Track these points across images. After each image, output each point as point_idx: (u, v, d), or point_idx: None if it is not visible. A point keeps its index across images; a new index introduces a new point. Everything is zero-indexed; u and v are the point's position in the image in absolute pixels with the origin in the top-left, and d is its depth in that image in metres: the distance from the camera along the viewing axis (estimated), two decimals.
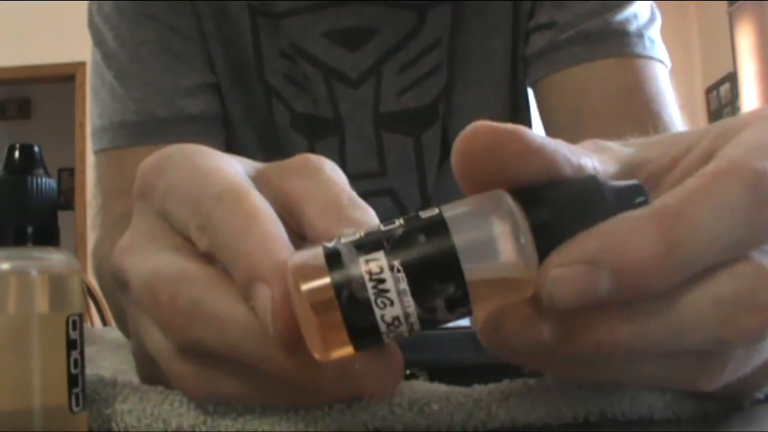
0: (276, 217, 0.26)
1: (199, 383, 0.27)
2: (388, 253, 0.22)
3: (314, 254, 0.23)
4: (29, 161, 0.28)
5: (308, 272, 0.23)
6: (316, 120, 0.68)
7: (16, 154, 0.28)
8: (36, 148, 0.28)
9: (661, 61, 0.65)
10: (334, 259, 0.23)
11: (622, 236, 0.22)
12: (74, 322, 0.27)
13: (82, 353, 0.27)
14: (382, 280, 0.22)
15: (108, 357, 0.53)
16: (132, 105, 0.65)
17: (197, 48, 0.66)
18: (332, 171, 0.29)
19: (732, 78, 4.65)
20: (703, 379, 0.25)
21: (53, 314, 0.27)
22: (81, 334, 0.28)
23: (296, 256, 0.23)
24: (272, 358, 0.25)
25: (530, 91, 0.70)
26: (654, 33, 0.65)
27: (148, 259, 0.28)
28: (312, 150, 0.68)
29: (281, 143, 0.69)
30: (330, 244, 0.23)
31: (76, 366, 0.27)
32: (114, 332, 0.69)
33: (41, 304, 0.27)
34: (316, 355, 0.23)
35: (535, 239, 0.23)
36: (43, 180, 0.28)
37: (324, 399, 0.28)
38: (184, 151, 0.30)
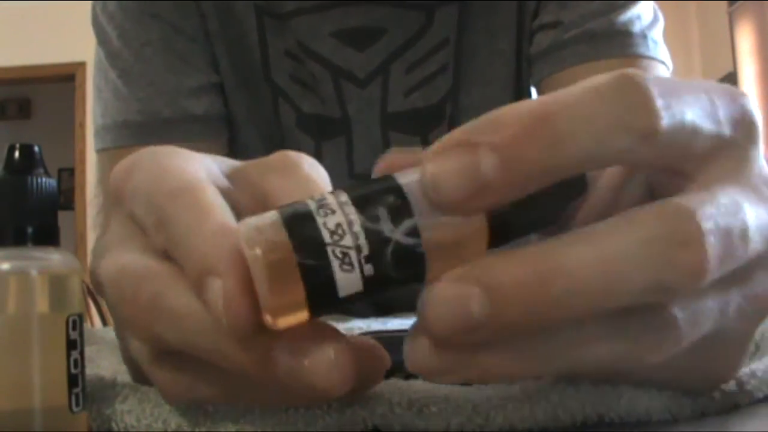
0: (230, 212, 0.26)
1: (176, 388, 0.27)
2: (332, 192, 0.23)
3: (269, 213, 0.23)
4: (29, 161, 0.28)
5: (265, 233, 0.22)
6: (323, 120, 0.68)
7: (16, 154, 0.28)
8: (36, 148, 0.28)
9: (663, 63, 0.65)
10: (284, 208, 0.23)
11: (496, 115, 0.22)
12: (74, 322, 0.27)
13: (82, 353, 0.27)
14: (324, 199, 0.23)
15: (108, 357, 0.53)
16: (135, 105, 0.65)
17: (201, 48, 0.66)
18: (311, 168, 0.29)
19: (732, 78, 4.64)
20: (650, 346, 0.23)
21: (53, 314, 0.27)
22: (81, 334, 0.28)
23: (249, 220, 0.23)
24: (225, 353, 0.25)
25: (534, 91, 0.70)
26: (657, 34, 0.65)
27: (118, 259, 0.28)
28: (318, 150, 0.68)
29: (286, 144, 0.69)
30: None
31: (76, 366, 0.27)
32: (114, 332, 0.68)
33: (41, 304, 0.27)
34: (269, 319, 0.23)
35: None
36: (43, 180, 0.28)
37: (287, 399, 0.27)
38: (154, 153, 0.30)
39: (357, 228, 0.22)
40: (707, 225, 0.22)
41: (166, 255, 0.27)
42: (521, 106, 0.22)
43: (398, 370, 0.35)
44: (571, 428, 0.28)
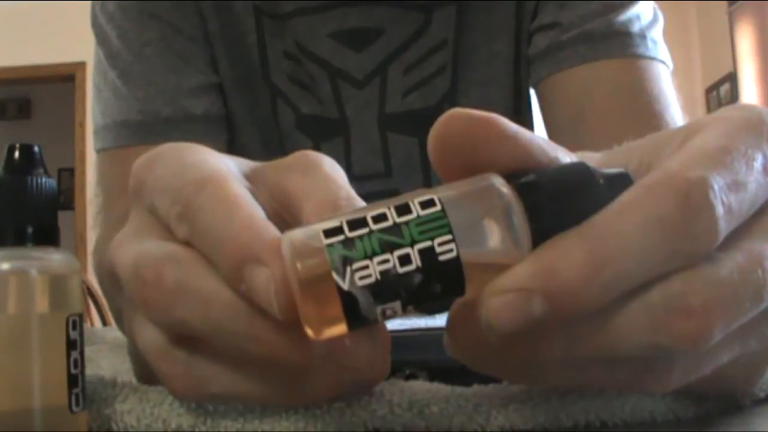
0: (256, 203, 0.26)
1: (188, 383, 0.27)
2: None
3: (312, 231, 0.23)
4: (29, 161, 0.28)
5: (307, 250, 0.23)
6: (322, 121, 0.68)
7: (16, 154, 0.28)
8: (36, 148, 0.28)
9: (663, 62, 0.65)
10: (333, 235, 0.23)
11: (552, 260, 0.22)
12: (74, 322, 0.27)
13: (82, 353, 0.27)
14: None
15: (108, 357, 0.53)
16: (135, 104, 0.65)
17: (201, 48, 0.66)
18: (331, 168, 0.29)
19: (732, 78, 4.65)
20: (652, 382, 0.25)
21: (53, 314, 0.27)
22: (81, 334, 0.28)
23: (293, 233, 0.24)
24: (259, 337, 0.25)
25: (533, 92, 0.70)
26: (656, 34, 0.65)
27: (138, 246, 0.28)
28: (317, 151, 0.68)
29: (285, 144, 0.69)
30: (330, 224, 0.23)
31: (76, 366, 0.27)
32: (114, 332, 0.69)
33: (41, 304, 0.27)
34: (310, 333, 0.23)
35: (530, 230, 0.23)
36: (43, 180, 0.28)
37: (312, 388, 0.27)
38: (175, 148, 0.30)
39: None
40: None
41: (187, 246, 0.27)
42: (574, 245, 0.22)
43: (398, 370, 0.35)
44: (573, 429, 0.28)
